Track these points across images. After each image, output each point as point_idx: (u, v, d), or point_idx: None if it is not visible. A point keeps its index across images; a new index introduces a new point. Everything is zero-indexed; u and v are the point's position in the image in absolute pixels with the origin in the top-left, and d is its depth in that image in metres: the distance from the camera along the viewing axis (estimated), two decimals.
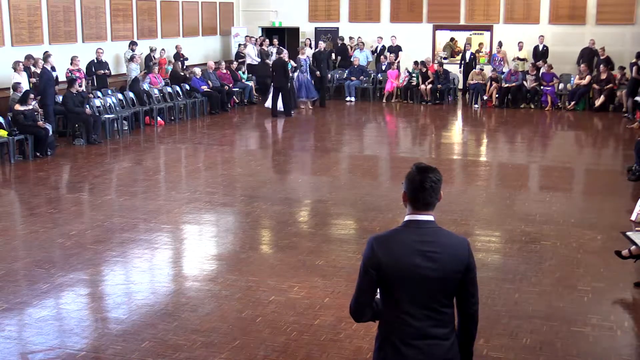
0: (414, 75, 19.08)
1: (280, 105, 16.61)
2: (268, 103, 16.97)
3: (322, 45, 19.15)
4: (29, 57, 13.45)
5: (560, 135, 15.75)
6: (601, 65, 17.69)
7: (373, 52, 20.56)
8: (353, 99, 19.28)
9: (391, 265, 2.94)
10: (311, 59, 18.98)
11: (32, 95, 12.36)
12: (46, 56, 13.80)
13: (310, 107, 17.82)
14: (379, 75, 19.87)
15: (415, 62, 19.26)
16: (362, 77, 19.54)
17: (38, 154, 12.13)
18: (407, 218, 3.04)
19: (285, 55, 17.08)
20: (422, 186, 3.00)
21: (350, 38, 20.75)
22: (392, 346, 2.98)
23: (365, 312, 3.04)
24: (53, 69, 14.15)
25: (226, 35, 21.43)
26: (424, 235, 3.00)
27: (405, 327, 2.96)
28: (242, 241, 7.93)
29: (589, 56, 18.43)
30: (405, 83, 19.12)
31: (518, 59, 19.03)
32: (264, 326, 5.63)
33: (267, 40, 20.92)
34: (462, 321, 3.11)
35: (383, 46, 20.38)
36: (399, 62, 19.88)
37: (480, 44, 20.15)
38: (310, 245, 7.66)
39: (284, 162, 12.70)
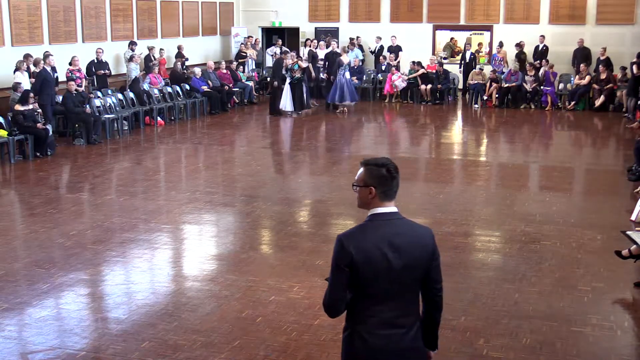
0: (411, 80, 19.02)
1: (285, 103, 16.57)
2: (285, 104, 16.76)
3: (334, 45, 19.07)
4: (26, 57, 13.42)
5: (560, 135, 15.75)
6: (601, 65, 17.70)
7: (372, 52, 20.55)
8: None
9: (363, 260, 2.99)
10: (324, 59, 19.02)
11: (32, 95, 12.35)
12: (45, 56, 13.76)
13: (346, 110, 17.47)
14: (379, 75, 19.86)
15: (413, 62, 19.26)
16: (355, 77, 19.31)
17: (38, 153, 12.13)
18: (374, 212, 3.08)
19: (290, 56, 17.04)
20: (391, 176, 3.06)
21: (351, 39, 20.72)
22: (359, 337, 3.04)
23: (340, 308, 3.08)
24: (54, 69, 14.16)
25: (226, 35, 21.43)
26: (391, 227, 3.06)
27: (373, 318, 3.03)
28: (242, 241, 7.93)
29: (582, 56, 18.42)
30: (398, 90, 19.06)
31: (518, 59, 19.02)
32: (264, 326, 5.63)
33: (280, 40, 20.94)
34: (428, 308, 3.19)
35: (382, 46, 20.38)
36: (399, 62, 19.87)
37: (480, 44, 20.14)
38: (310, 245, 7.66)
39: (284, 162, 12.70)
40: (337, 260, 3.03)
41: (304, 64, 17.19)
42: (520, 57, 18.96)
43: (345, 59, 17.52)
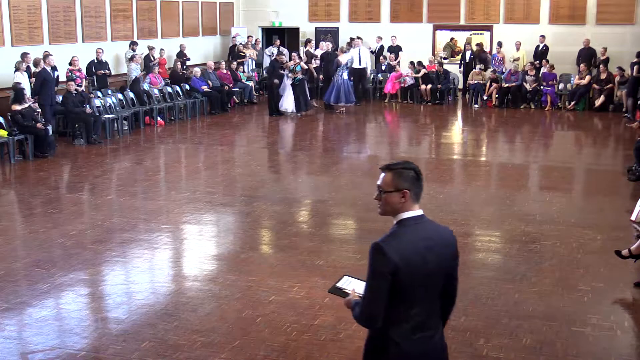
0: (411, 79, 19.03)
1: (287, 104, 16.55)
2: (287, 105, 16.68)
3: (329, 45, 19.04)
4: (24, 56, 13.40)
5: (560, 135, 15.75)
6: (601, 65, 17.71)
7: (372, 52, 20.54)
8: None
9: (405, 266, 2.94)
10: (319, 59, 19.01)
11: (26, 94, 12.33)
12: (44, 56, 13.71)
13: (344, 110, 17.46)
14: (379, 75, 19.86)
15: (411, 63, 19.26)
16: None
17: (39, 153, 12.10)
18: (403, 216, 3.04)
19: (283, 57, 17.05)
20: (419, 177, 3.06)
21: (351, 39, 20.69)
22: (393, 344, 2.99)
23: (381, 316, 2.99)
24: (55, 69, 14.15)
25: (226, 35, 21.43)
26: (423, 230, 3.04)
27: (406, 323, 3.00)
28: (242, 241, 7.93)
29: (586, 56, 18.44)
30: (405, 84, 19.06)
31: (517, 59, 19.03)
32: (264, 326, 5.63)
33: (279, 40, 20.95)
34: (445, 304, 3.19)
35: (382, 46, 20.38)
36: (399, 62, 19.86)
37: (480, 44, 20.04)
38: (310, 245, 7.66)
39: (284, 162, 12.70)
40: (379, 268, 2.94)
41: (305, 65, 17.18)
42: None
43: (343, 59, 17.50)
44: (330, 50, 18.78)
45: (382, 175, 3.07)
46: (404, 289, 2.97)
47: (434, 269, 3.01)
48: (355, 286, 3.32)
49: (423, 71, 18.96)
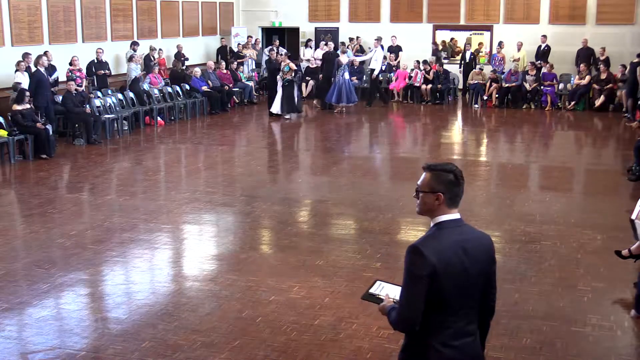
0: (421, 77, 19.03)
1: (274, 105, 16.44)
2: (275, 107, 16.54)
3: (330, 45, 19.01)
4: (25, 56, 13.38)
5: (560, 135, 15.75)
6: (601, 65, 17.71)
7: (390, 52, 20.49)
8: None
9: (444, 269, 2.89)
10: (320, 59, 18.98)
11: (28, 94, 12.32)
12: (38, 57, 13.39)
13: (344, 110, 17.40)
14: (379, 75, 19.82)
15: (417, 62, 19.24)
16: (355, 77, 19.22)
17: (43, 156, 12.04)
18: (440, 219, 3.01)
19: (281, 57, 17.02)
20: (458, 182, 3.01)
21: (350, 39, 20.72)
22: (434, 351, 2.93)
23: (419, 320, 2.93)
24: (54, 68, 14.13)
25: (226, 35, 21.43)
26: (461, 234, 3.02)
27: (447, 329, 2.94)
28: (242, 241, 7.93)
29: (585, 56, 18.44)
30: (422, 81, 19.01)
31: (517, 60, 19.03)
32: (264, 326, 5.63)
33: (277, 41, 20.93)
34: (483, 313, 3.13)
35: (382, 46, 20.34)
36: (399, 62, 19.86)
37: (480, 44, 20.10)
38: (310, 245, 7.66)
39: (284, 162, 12.70)
40: (417, 270, 2.89)
41: (294, 66, 16.92)
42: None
43: (344, 59, 17.48)
44: (331, 50, 18.71)
45: (423, 174, 3.04)
46: (443, 293, 2.91)
47: (473, 273, 2.96)
48: (388, 291, 3.25)
49: (432, 72, 18.93)
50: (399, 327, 2.98)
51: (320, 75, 18.81)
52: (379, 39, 18.91)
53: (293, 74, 16.58)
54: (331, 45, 18.77)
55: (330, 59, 18.15)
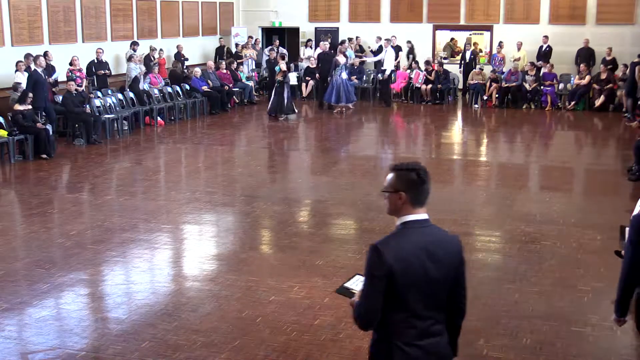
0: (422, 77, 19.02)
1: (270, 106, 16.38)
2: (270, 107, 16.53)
3: (326, 45, 19.00)
4: (27, 57, 13.37)
5: (560, 135, 15.75)
6: (601, 65, 17.72)
7: (372, 52, 20.53)
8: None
9: (402, 270, 2.89)
10: (315, 59, 18.96)
11: (30, 95, 12.32)
12: (35, 57, 13.24)
13: (346, 109, 17.36)
14: (379, 75, 19.83)
15: (416, 62, 19.24)
16: (355, 77, 19.20)
17: (44, 156, 12.02)
18: (406, 219, 3.00)
19: (280, 58, 16.99)
20: (421, 180, 2.99)
21: (350, 39, 20.71)
22: (399, 350, 2.95)
23: (377, 318, 2.97)
24: (54, 69, 14.13)
25: (226, 35, 21.43)
26: (425, 235, 3.00)
27: (411, 329, 2.95)
28: (242, 241, 7.93)
29: (586, 56, 18.45)
30: (422, 81, 18.99)
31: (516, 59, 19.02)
32: (264, 326, 5.63)
33: (278, 41, 20.93)
34: (453, 315, 3.13)
35: (381, 46, 20.33)
36: (399, 62, 19.85)
37: (475, 44, 19.98)
38: (310, 245, 7.66)
39: (284, 162, 12.70)
40: (374, 269, 2.90)
41: (284, 67, 16.65)
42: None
43: (341, 59, 17.47)
44: (326, 50, 18.64)
45: (389, 175, 3.05)
46: (402, 293, 2.92)
47: (436, 275, 2.96)
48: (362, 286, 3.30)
49: (433, 72, 18.93)
50: (357, 324, 3.01)
51: (317, 75, 18.81)
52: (389, 40, 18.74)
53: (283, 76, 16.36)
54: (326, 45, 18.72)
55: (325, 59, 18.14)
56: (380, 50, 20.26)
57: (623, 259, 4.12)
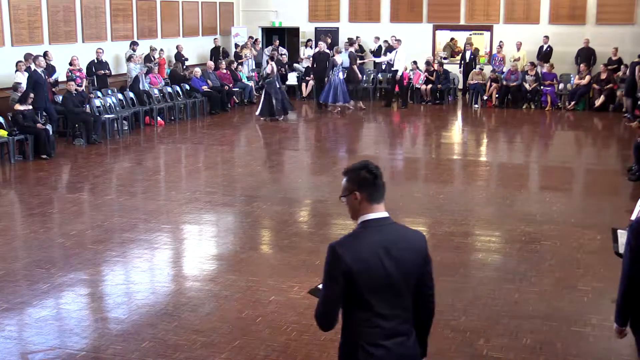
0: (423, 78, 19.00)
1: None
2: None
3: (322, 45, 19.00)
4: (28, 57, 13.36)
5: (560, 135, 15.75)
6: (601, 65, 17.72)
7: (372, 52, 20.53)
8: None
9: (361, 270, 2.87)
10: (310, 59, 18.96)
11: (32, 95, 12.32)
12: (35, 58, 13.20)
13: (339, 109, 17.32)
14: (379, 75, 19.86)
15: (414, 62, 19.21)
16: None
17: (44, 156, 12.02)
18: (364, 218, 2.97)
19: (270, 59, 16.93)
20: (373, 175, 2.97)
21: (349, 39, 20.69)
22: (363, 351, 2.92)
23: (334, 320, 2.95)
24: (54, 69, 14.12)
25: (226, 35, 21.43)
26: (385, 233, 2.95)
27: (375, 329, 2.92)
28: (242, 241, 7.93)
29: (586, 56, 18.45)
30: (422, 82, 18.97)
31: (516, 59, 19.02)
32: (264, 326, 5.63)
33: (278, 41, 20.92)
34: (420, 315, 3.09)
35: (381, 46, 20.37)
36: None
37: (474, 47, 19.89)
38: (310, 245, 7.66)
39: (283, 162, 12.70)
40: (332, 270, 2.89)
41: (270, 68, 16.29)
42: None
43: (338, 59, 17.47)
44: (322, 50, 18.55)
45: (343, 181, 3.04)
46: (362, 293, 2.89)
47: (397, 273, 2.91)
48: None
49: (434, 72, 18.92)
50: (317, 323, 2.99)
51: (312, 75, 18.81)
52: (399, 40, 18.59)
53: (265, 77, 16.07)
54: (322, 45, 18.68)
55: (320, 59, 18.13)
56: (380, 50, 20.29)
57: (622, 265, 3.91)
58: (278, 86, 16.43)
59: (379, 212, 2.97)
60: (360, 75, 18.42)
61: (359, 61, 18.81)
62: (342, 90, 17.17)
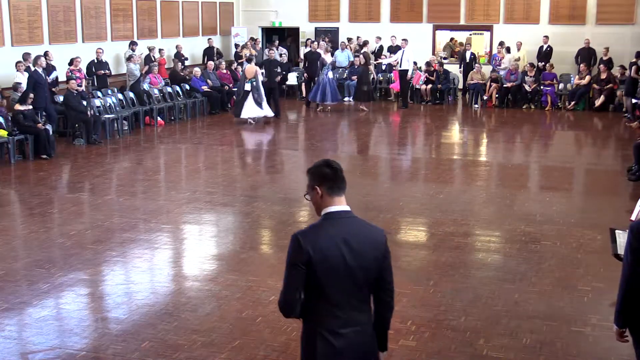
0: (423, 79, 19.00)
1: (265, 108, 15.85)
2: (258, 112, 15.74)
3: (315, 45, 18.95)
4: (27, 56, 13.35)
5: (560, 135, 15.75)
6: (601, 65, 17.72)
7: (372, 52, 20.52)
8: (352, 99, 19.09)
9: (320, 259, 2.99)
10: (303, 59, 18.97)
11: (31, 95, 12.31)
12: (35, 58, 13.15)
13: (329, 109, 17.28)
14: (379, 75, 19.85)
15: (414, 62, 19.21)
16: (354, 76, 19.12)
17: (44, 156, 12.01)
18: (326, 210, 3.11)
19: (280, 56, 16.92)
20: (332, 169, 3.13)
21: (349, 39, 20.71)
22: (321, 338, 3.04)
23: (295, 307, 3.06)
24: (53, 68, 14.12)
25: (226, 35, 21.43)
26: (346, 226, 3.09)
27: (333, 318, 3.04)
28: (242, 241, 7.93)
29: (586, 56, 18.45)
30: (422, 82, 18.96)
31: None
32: (264, 326, 5.63)
33: (277, 41, 20.92)
34: (379, 308, 3.20)
35: (381, 46, 20.36)
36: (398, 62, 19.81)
37: (461, 44, 19.89)
38: None
39: (283, 161, 12.69)
40: (293, 258, 3.02)
41: (248, 71, 15.67)
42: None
43: (328, 58, 17.48)
44: (316, 49, 18.50)
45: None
46: (321, 283, 3.01)
47: (355, 266, 3.03)
48: None
49: (434, 72, 18.92)
50: (280, 310, 3.10)
51: (305, 75, 18.80)
52: (406, 40, 18.49)
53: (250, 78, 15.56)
54: (315, 45, 18.67)
55: (312, 58, 18.13)
56: (380, 50, 20.30)
57: (622, 266, 3.87)
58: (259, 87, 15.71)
59: (341, 206, 3.13)
60: (375, 75, 18.43)
61: (374, 61, 18.74)
62: (330, 90, 17.17)
